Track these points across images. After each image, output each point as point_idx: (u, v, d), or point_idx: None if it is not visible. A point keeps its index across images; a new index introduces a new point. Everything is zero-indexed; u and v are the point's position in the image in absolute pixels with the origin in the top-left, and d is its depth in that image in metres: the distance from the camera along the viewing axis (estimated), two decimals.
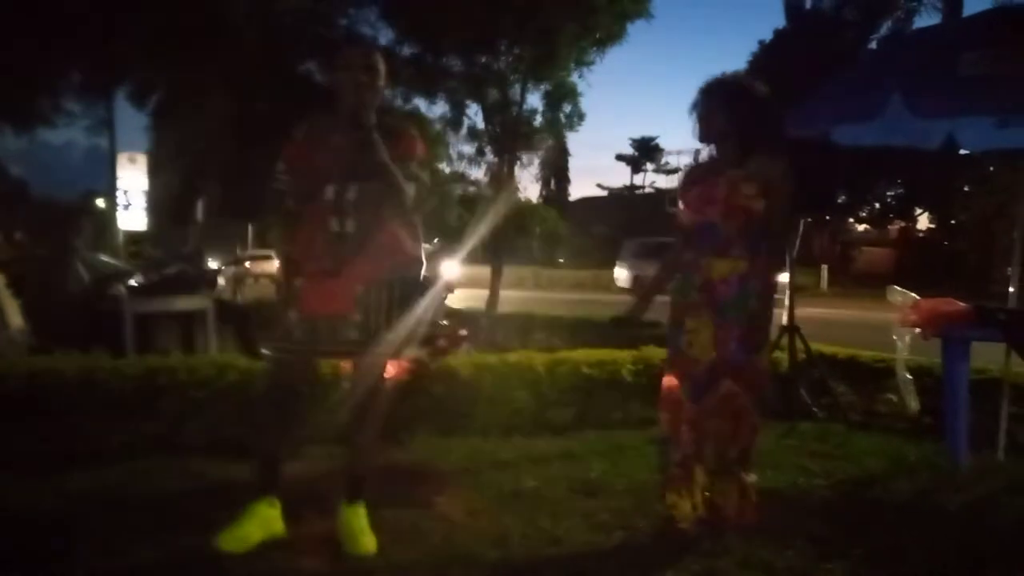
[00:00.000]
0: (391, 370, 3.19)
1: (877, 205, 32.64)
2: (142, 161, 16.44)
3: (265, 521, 2.58)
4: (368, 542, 2.62)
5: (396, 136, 2.65)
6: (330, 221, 2.59)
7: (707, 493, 2.87)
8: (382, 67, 2.65)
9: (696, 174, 2.99)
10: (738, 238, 2.78)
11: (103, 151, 15.39)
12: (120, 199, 15.54)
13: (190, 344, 5.34)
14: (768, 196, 2.76)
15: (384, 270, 2.63)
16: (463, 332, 5.06)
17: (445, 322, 6.25)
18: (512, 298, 12.22)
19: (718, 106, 2.87)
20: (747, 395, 2.82)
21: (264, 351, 2.78)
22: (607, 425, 4.44)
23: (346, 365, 2.88)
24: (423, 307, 2.79)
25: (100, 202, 15.47)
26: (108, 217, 15.36)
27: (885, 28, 28.18)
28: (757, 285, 2.78)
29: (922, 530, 2.98)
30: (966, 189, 26.18)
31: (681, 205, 2.97)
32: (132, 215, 16.14)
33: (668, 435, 2.94)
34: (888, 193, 31.79)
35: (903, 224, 33.64)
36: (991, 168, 22.15)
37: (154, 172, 16.56)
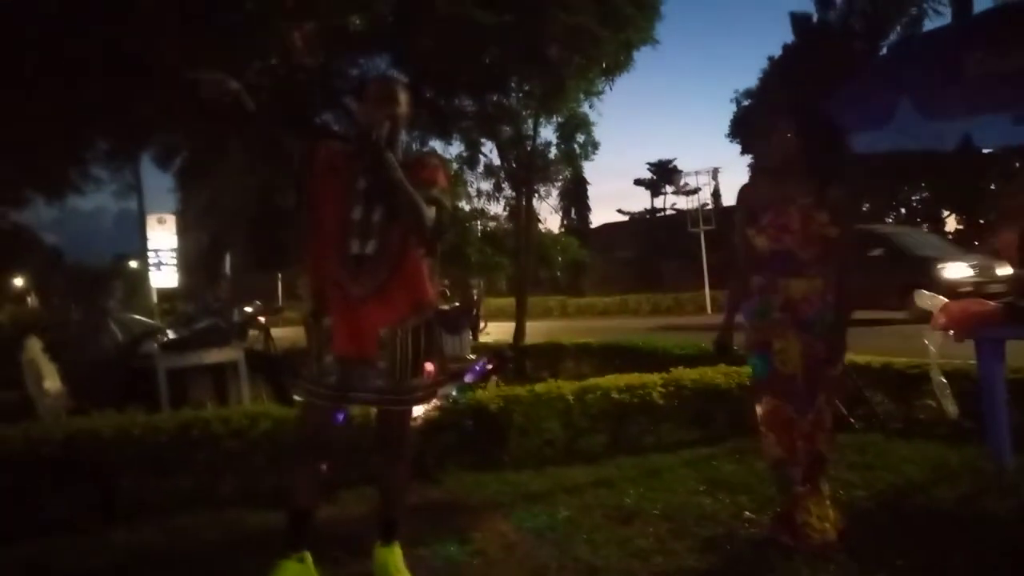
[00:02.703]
0: (420, 408, 3.21)
1: (903, 210, 32.23)
2: (171, 221, 16.80)
3: None
4: None
5: (419, 163, 2.66)
6: (351, 243, 2.57)
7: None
8: (404, 97, 2.67)
9: (761, 197, 3.01)
10: (814, 261, 2.89)
11: (133, 214, 15.82)
12: (151, 259, 15.89)
13: (223, 396, 5.42)
14: (838, 222, 2.88)
15: (406, 309, 2.61)
16: (489, 365, 5.08)
17: (472, 356, 6.29)
18: (539, 328, 12.21)
19: (793, 128, 2.94)
20: (828, 406, 2.93)
21: (297, 396, 2.75)
22: (640, 450, 4.41)
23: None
24: (453, 346, 2.80)
25: (132, 263, 15.82)
26: (140, 277, 15.70)
27: (894, 35, 28.10)
28: (832, 299, 2.89)
29: (969, 537, 2.91)
30: (992, 188, 25.77)
31: (752, 231, 2.99)
32: (164, 274, 16.46)
33: (782, 457, 2.94)
34: (913, 197, 31.39)
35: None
36: (1017, 164, 21.82)
37: (182, 231, 16.91)
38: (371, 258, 2.56)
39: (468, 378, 5.02)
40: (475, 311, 10.62)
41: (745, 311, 3.05)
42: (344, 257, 2.57)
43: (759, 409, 3.01)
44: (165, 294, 16.55)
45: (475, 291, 11.51)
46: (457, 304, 9.16)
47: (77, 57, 7.13)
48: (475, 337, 10.53)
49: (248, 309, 6.35)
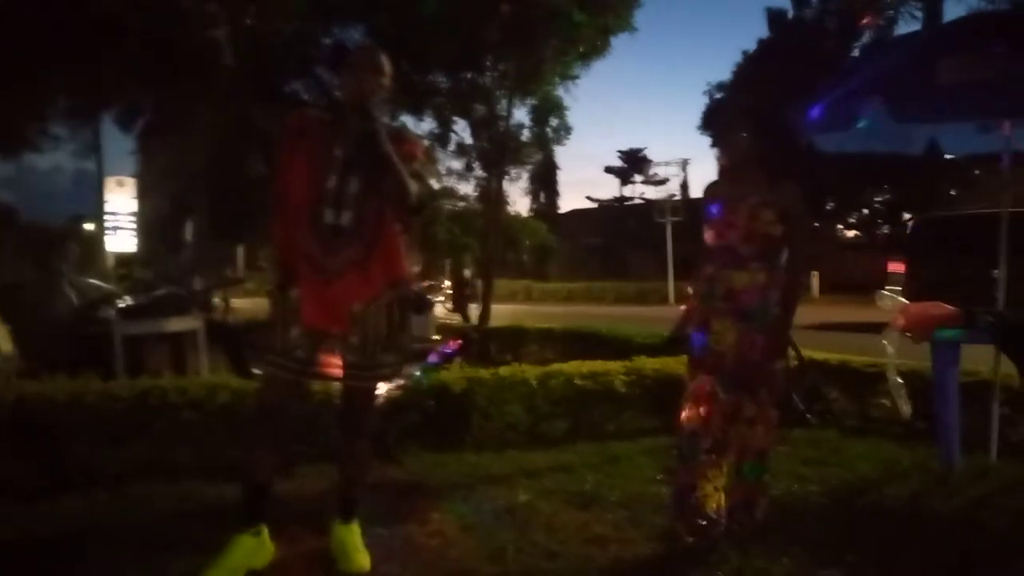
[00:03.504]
0: (383, 386, 3.19)
1: (865, 211, 32.86)
2: (130, 184, 16.34)
3: (251, 552, 2.51)
4: (362, 559, 2.60)
5: (398, 139, 2.61)
6: (325, 212, 2.50)
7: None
8: (388, 67, 2.63)
9: (718, 193, 3.09)
10: (756, 256, 2.94)
11: (91, 175, 15.36)
12: (108, 222, 15.47)
13: (181, 365, 5.32)
14: (786, 221, 2.94)
15: (381, 284, 2.57)
16: (454, 346, 5.07)
17: (436, 337, 6.27)
18: (504, 311, 12.23)
19: (747, 129, 3.00)
20: (770, 401, 2.98)
21: (259, 369, 2.68)
22: (600, 437, 4.44)
23: (338, 384, 2.81)
24: (417, 326, 2.74)
25: (89, 225, 15.40)
26: (97, 240, 15.30)
27: (866, 36, 28.50)
28: (776, 295, 2.95)
29: (916, 534, 2.99)
30: (952, 193, 26.39)
31: (705, 226, 3.07)
32: (121, 238, 16.02)
33: (695, 427, 2.95)
34: (876, 199, 32.01)
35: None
36: (976, 172, 22.36)
37: (142, 195, 16.47)
38: (347, 230, 2.51)
39: (432, 359, 5.00)
40: (472, 291, 10.62)
41: (694, 295, 3.14)
42: (318, 228, 2.51)
43: (689, 385, 3.04)
44: (122, 259, 16.15)
45: (467, 272, 11.47)
46: (427, 284, 9.11)
47: (42, 10, 6.90)
48: (466, 317, 10.48)
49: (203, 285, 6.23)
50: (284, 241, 2.61)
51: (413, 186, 2.51)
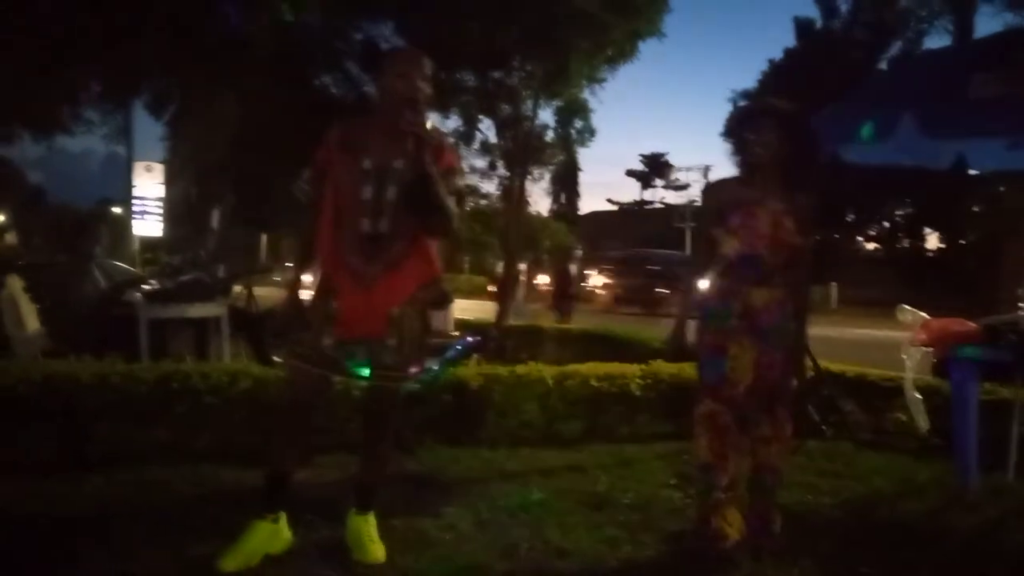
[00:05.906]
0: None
1: (886, 224, 32.57)
2: (158, 170, 16.52)
3: (268, 539, 2.55)
4: (377, 551, 2.63)
5: (437, 150, 2.57)
6: (362, 222, 2.54)
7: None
8: (429, 70, 2.64)
9: (732, 196, 2.91)
10: (779, 270, 2.83)
11: (120, 159, 15.58)
12: (136, 207, 15.65)
13: (204, 350, 5.39)
14: (803, 230, 2.85)
15: (415, 285, 2.61)
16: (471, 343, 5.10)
17: (455, 333, 6.31)
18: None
19: (773, 132, 2.83)
20: (785, 417, 2.90)
21: (282, 358, 2.70)
22: (615, 438, 4.45)
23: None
24: (437, 321, 2.77)
25: (117, 209, 15.59)
26: (124, 224, 15.50)
27: (895, 48, 28.26)
28: (791, 308, 2.86)
29: (930, 550, 2.98)
30: (975, 209, 26.09)
31: (720, 231, 2.89)
32: (148, 223, 16.21)
33: (711, 461, 2.85)
34: (897, 212, 31.72)
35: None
36: (1001, 188, 22.08)
37: (170, 181, 16.64)
38: (386, 236, 2.54)
39: (450, 355, 5.03)
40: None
41: (702, 312, 2.95)
42: (357, 238, 2.54)
43: (698, 409, 2.90)
44: (148, 243, 16.34)
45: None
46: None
47: None
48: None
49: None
50: (325, 251, 2.62)
51: (455, 211, 2.55)
